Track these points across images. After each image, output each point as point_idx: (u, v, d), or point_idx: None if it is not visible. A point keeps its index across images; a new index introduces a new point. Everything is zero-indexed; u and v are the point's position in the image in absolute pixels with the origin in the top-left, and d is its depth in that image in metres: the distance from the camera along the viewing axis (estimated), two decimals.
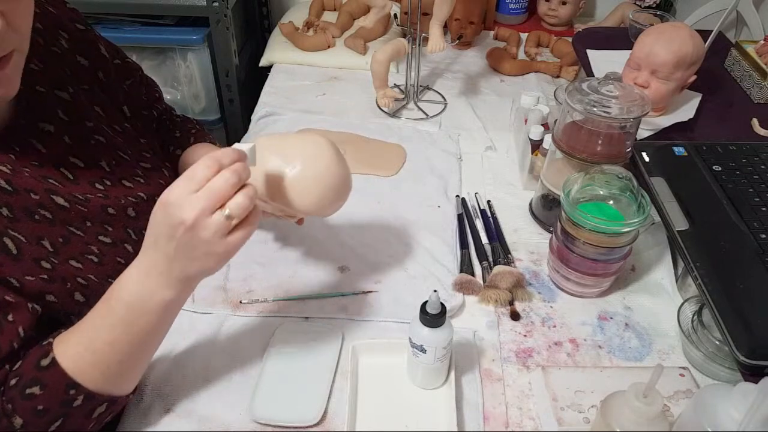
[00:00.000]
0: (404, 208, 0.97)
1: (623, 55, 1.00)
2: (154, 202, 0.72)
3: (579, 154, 0.82)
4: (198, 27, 1.41)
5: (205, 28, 1.40)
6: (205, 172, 0.52)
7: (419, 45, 1.16)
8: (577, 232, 0.76)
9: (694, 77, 0.97)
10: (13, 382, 0.55)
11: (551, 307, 0.82)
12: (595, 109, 0.77)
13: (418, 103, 1.23)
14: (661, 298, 0.83)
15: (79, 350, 0.56)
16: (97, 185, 0.69)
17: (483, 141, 1.13)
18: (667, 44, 0.92)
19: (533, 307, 0.82)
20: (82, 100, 0.72)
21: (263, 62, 1.39)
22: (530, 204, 0.98)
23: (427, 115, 1.20)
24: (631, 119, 0.79)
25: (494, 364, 0.74)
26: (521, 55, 1.42)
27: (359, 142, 1.10)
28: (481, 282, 0.84)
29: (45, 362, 0.55)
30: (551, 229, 0.87)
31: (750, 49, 1.10)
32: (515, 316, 0.80)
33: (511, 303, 0.82)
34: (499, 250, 0.88)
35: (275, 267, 0.85)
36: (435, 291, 0.63)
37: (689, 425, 0.56)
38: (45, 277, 0.60)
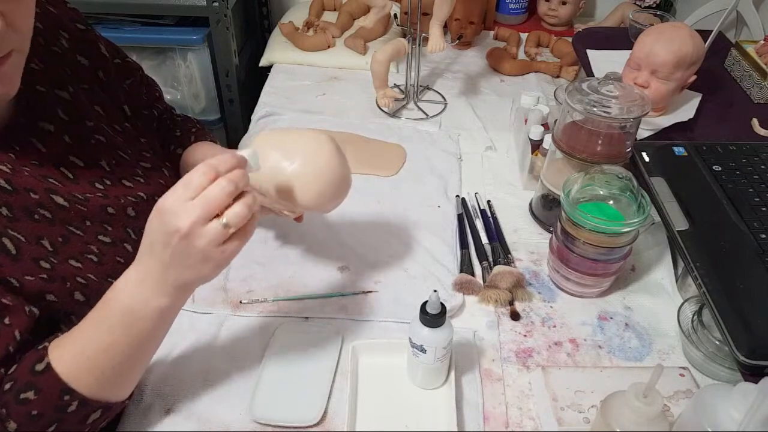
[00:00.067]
0: (404, 208, 0.97)
1: (623, 55, 1.00)
2: (154, 201, 0.72)
3: (579, 154, 0.82)
4: (198, 27, 1.41)
5: (205, 28, 1.40)
6: (201, 180, 0.52)
7: (419, 45, 1.16)
8: (577, 232, 0.76)
9: (694, 77, 0.97)
10: (7, 386, 0.55)
11: (551, 307, 0.82)
12: (595, 109, 0.77)
13: (418, 103, 1.23)
14: (661, 298, 0.83)
15: (74, 356, 0.56)
16: (96, 185, 0.69)
17: (483, 141, 1.13)
18: (667, 44, 0.92)
19: (533, 307, 0.82)
20: (82, 100, 0.72)
21: (263, 62, 1.39)
22: (530, 204, 0.98)
23: (427, 115, 1.20)
24: (631, 119, 0.79)
25: (494, 364, 0.74)
26: (521, 55, 1.42)
27: (359, 142, 1.10)
28: (481, 282, 0.84)
29: (40, 367, 0.55)
30: (551, 229, 0.87)
31: (750, 49, 1.10)
32: (515, 316, 0.80)
33: (511, 303, 0.82)
34: (499, 250, 0.88)
35: (275, 267, 0.85)
36: (435, 291, 0.63)
37: (689, 425, 0.56)
38: (44, 276, 0.60)
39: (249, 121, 1.21)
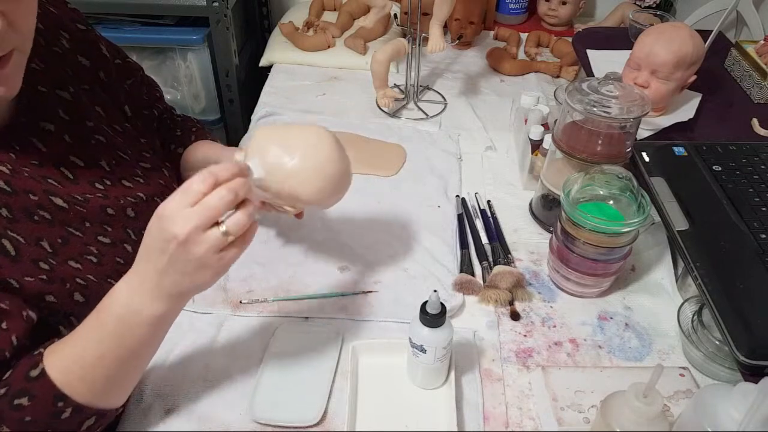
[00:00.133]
0: (404, 208, 0.97)
1: (623, 55, 1.00)
2: (154, 202, 0.72)
3: (579, 154, 0.82)
4: (198, 27, 1.41)
5: (205, 28, 1.40)
6: (201, 187, 0.52)
7: (419, 45, 1.16)
8: (577, 232, 0.76)
9: (694, 77, 0.97)
10: (1, 391, 0.55)
11: (551, 307, 0.82)
12: (595, 109, 0.77)
13: (418, 103, 1.23)
14: (661, 298, 0.83)
15: (69, 362, 0.55)
16: (96, 185, 0.69)
17: (483, 141, 1.13)
18: (667, 44, 0.92)
19: (533, 307, 0.82)
20: (82, 100, 0.72)
21: (263, 62, 1.39)
22: (530, 204, 0.98)
23: (427, 115, 1.20)
24: (631, 119, 0.79)
25: (494, 364, 0.74)
26: (521, 55, 1.42)
27: (359, 142, 1.10)
28: (481, 282, 0.84)
29: (34, 373, 0.55)
30: (551, 229, 0.87)
31: (750, 49, 1.10)
32: (515, 316, 0.80)
33: (511, 303, 0.82)
34: (499, 250, 0.88)
35: (275, 267, 0.85)
36: (435, 291, 0.63)
37: (689, 425, 0.56)
38: (44, 277, 0.60)
39: (249, 121, 1.21)
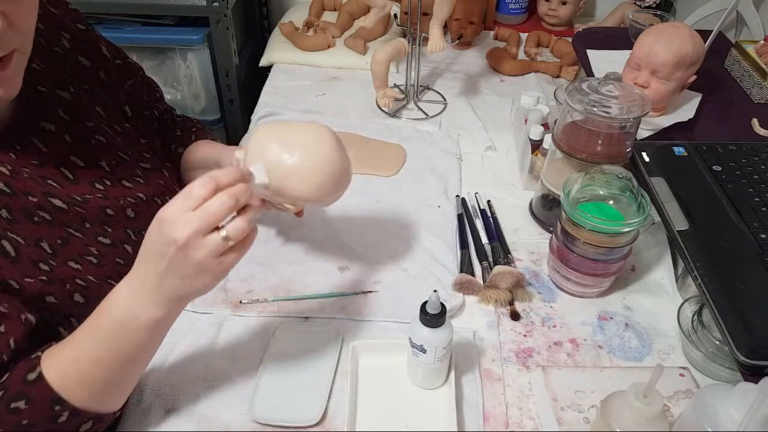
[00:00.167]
0: (404, 208, 0.97)
1: (623, 55, 1.00)
2: (154, 202, 0.72)
3: (579, 154, 0.82)
4: (198, 27, 1.41)
5: (205, 28, 1.40)
6: (202, 191, 0.52)
7: (419, 45, 1.16)
8: (577, 232, 0.76)
9: (694, 77, 0.97)
10: None
11: (551, 307, 0.82)
12: (595, 109, 0.77)
13: (418, 103, 1.23)
14: (661, 298, 0.83)
15: (66, 366, 0.55)
16: (96, 185, 0.69)
17: (483, 141, 1.13)
18: (667, 44, 0.92)
19: (533, 307, 0.82)
20: (83, 100, 0.72)
21: (263, 62, 1.39)
22: (530, 204, 0.98)
23: (427, 115, 1.20)
24: (631, 119, 0.79)
25: (494, 364, 0.74)
26: (521, 55, 1.42)
27: (359, 142, 1.10)
28: (481, 282, 0.84)
29: (32, 376, 0.54)
30: (551, 229, 0.87)
31: (750, 49, 1.10)
32: (515, 316, 0.80)
33: (511, 303, 0.82)
34: (499, 250, 0.88)
35: (275, 267, 0.85)
36: (435, 291, 0.63)
37: (689, 425, 0.56)
38: (44, 278, 0.60)
39: (249, 121, 1.21)
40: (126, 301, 0.55)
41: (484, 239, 0.91)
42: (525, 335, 0.78)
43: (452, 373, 0.70)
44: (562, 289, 0.84)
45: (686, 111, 1.01)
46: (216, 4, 1.34)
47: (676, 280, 0.84)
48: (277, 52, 1.38)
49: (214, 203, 0.52)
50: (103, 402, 0.58)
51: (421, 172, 1.05)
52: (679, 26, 0.96)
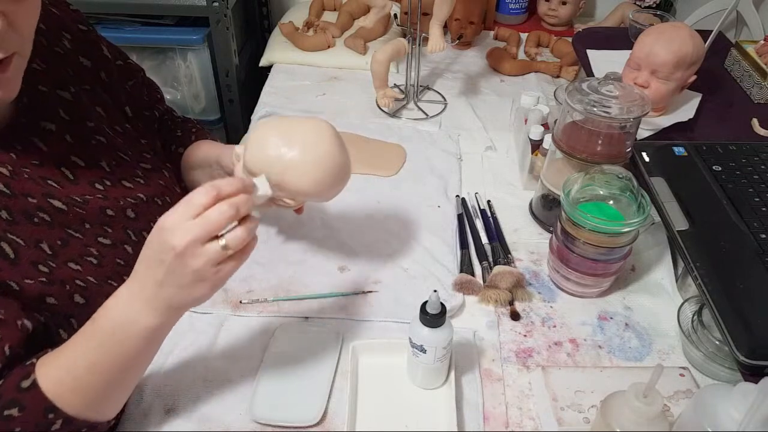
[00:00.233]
0: (404, 208, 0.97)
1: (623, 55, 1.00)
2: (154, 203, 0.72)
3: (579, 154, 0.82)
4: (198, 27, 1.41)
5: (205, 28, 1.40)
6: (203, 199, 0.52)
7: (419, 45, 1.16)
8: (577, 232, 0.76)
9: (694, 77, 0.97)
10: None
11: (551, 307, 0.82)
12: (595, 109, 0.77)
13: (418, 103, 1.23)
14: (661, 298, 0.83)
15: (61, 373, 0.55)
16: (97, 185, 0.69)
17: (483, 141, 1.13)
18: (667, 44, 0.92)
19: (533, 307, 0.82)
20: (83, 101, 0.72)
21: (263, 62, 1.39)
22: (530, 204, 0.98)
23: (427, 115, 1.20)
24: (631, 119, 0.79)
25: (494, 364, 0.74)
26: (521, 55, 1.42)
27: (359, 142, 1.10)
28: (481, 282, 0.84)
29: (26, 384, 0.54)
30: (551, 229, 0.87)
31: (750, 49, 1.10)
32: (515, 316, 0.80)
33: (511, 303, 0.82)
34: (499, 250, 0.88)
35: (275, 267, 0.85)
36: (435, 291, 0.63)
37: (689, 425, 0.56)
38: (44, 280, 0.59)
39: (249, 121, 1.21)
40: (122, 308, 0.55)
41: (484, 239, 0.91)
42: (525, 335, 0.78)
43: (452, 373, 0.70)
44: (562, 289, 0.84)
45: (686, 111, 1.01)
46: (216, 4, 1.34)
47: (676, 280, 0.84)
48: (277, 52, 1.38)
49: (214, 212, 0.52)
50: (97, 410, 0.58)
51: (421, 172, 1.05)
52: (679, 26, 0.96)
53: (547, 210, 0.93)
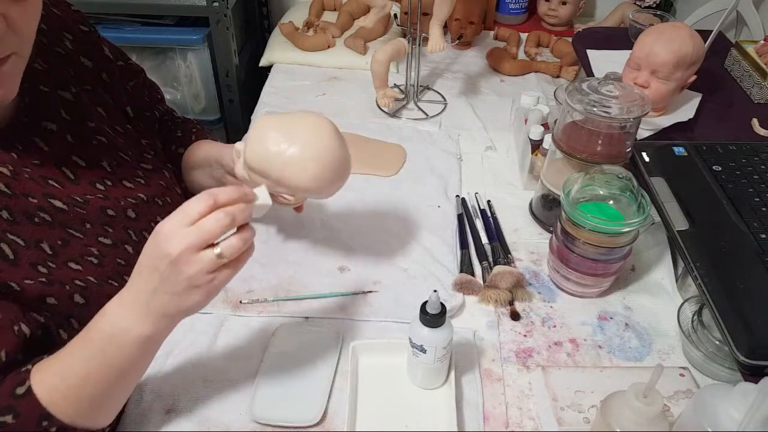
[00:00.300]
0: (404, 208, 0.97)
1: (623, 55, 1.00)
2: (154, 203, 0.72)
3: (579, 154, 0.82)
4: (198, 27, 1.41)
5: (205, 28, 1.40)
6: (199, 207, 0.52)
7: (419, 45, 1.16)
8: (577, 232, 0.76)
9: (694, 77, 0.97)
10: None
11: (551, 307, 0.82)
12: (595, 109, 0.77)
13: (418, 103, 1.23)
14: (661, 298, 0.83)
15: (55, 381, 0.55)
16: (97, 185, 0.69)
17: (483, 141, 1.13)
18: (667, 44, 0.92)
19: (533, 307, 0.82)
20: (84, 101, 0.72)
21: (263, 62, 1.39)
22: (530, 204, 0.98)
23: (427, 115, 1.20)
24: (631, 119, 0.79)
25: (494, 364, 0.74)
26: (521, 55, 1.42)
27: (359, 142, 1.10)
28: (481, 282, 0.84)
29: (20, 390, 0.54)
30: (551, 229, 0.87)
31: (750, 49, 1.10)
32: (515, 316, 0.80)
33: (511, 303, 0.82)
34: (499, 250, 0.88)
35: (275, 267, 0.85)
36: (435, 291, 0.63)
37: (689, 425, 0.56)
38: (44, 280, 0.59)
39: (249, 121, 1.21)
40: (116, 316, 0.55)
41: (484, 239, 0.91)
42: (525, 335, 0.78)
43: (452, 373, 0.70)
44: (562, 289, 0.84)
45: (686, 111, 1.01)
46: (216, 4, 1.34)
47: (676, 280, 0.84)
48: (277, 52, 1.38)
49: (209, 220, 0.52)
50: (90, 418, 0.57)
51: (421, 172, 1.05)
52: (679, 26, 0.96)
53: (547, 210, 0.93)
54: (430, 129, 1.16)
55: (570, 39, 1.35)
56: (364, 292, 0.82)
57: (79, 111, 0.70)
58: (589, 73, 1.14)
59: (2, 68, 0.54)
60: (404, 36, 1.24)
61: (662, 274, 0.86)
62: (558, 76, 1.34)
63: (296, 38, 1.38)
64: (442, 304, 0.64)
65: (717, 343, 0.71)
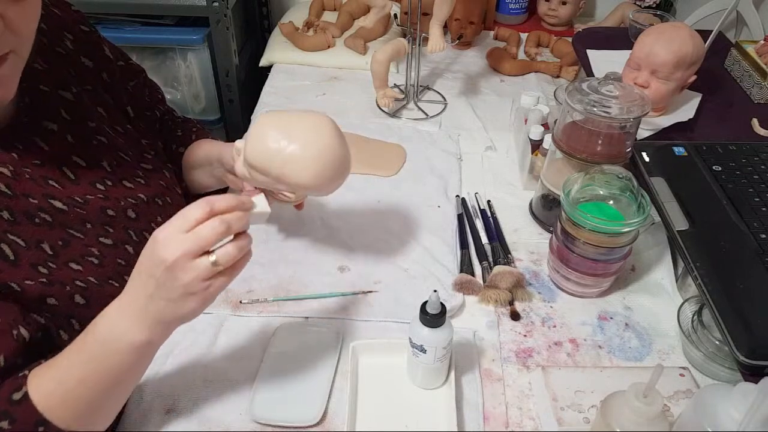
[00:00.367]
0: (404, 208, 0.97)
1: (623, 55, 1.00)
2: (155, 203, 0.72)
3: (579, 154, 0.82)
4: (198, 27, 1.41)
5: (205, 28, 1.40)
6: (197, 214, 0.52)
7: (419, 45, 1.16)
8: (577, 232, 0.76)
9: (694, 77, 0.97)
10: None
11: (551, 307, 0.82)
12: (595, 109, 0.77)
13: (418, 103, 1.23)
14: (661, 298, 0.83)
15: (51, 386, 0.55)
16: (98, 185, 0.69)
17: (483, 141, 1.13)
18: (667, 44, 0.92)
19: (533, 307, 0.82)
20: (84, 101, 0.72)
21: (263, 62, 1.39)
22: (530, 204, 0.98)
23: (427, 115, 1.20)
24: (631, 119, 0.79)
25: (494, 364, 0.74)
26: (521, 55, 1.42)
27: (359, 142, 1.10)
28: (481, 282, 0.84)
29: (17, 396, 0.54)
30: (551, 229, 0.87)
31: (750, 49, 1.10)
32: (515, 316, 0.80)
33: (511, 303, 0.82)
34: (499, 250, 0.88)
35: (275, 267, 0.85)
36: (435, 291, 0.63)
37: (689, 425, 0.56)
38: (44, 280, 0.59)
39: (249, 121, 1.21)
40: (112, 321, 0.55)
41: (484, 239, 0.91)
42: (525, 335, 0.78)
43: (452, 373, 0.70)
44: (562, 289, 0.84)
45: (686, 111, 1.01)
46: (216, 4, 1.34)
47: (676, 280, 0.84)
48: (277, 52, 1.38)
49: (205, 228, 0.52)
50: (86, 424, 0.57)
51: (421, 172, 1.05)
52: (679, 26, 0.96)
53: (547, 210, 0.93)
54: (430, 129, 1.16)
55: (570, 39, 1.34)
56: (364, 292, 0.82)
57: (80, 111, 0.70)
58: (589, 73, 1.14)
59: (1, 68, 0.54)
60: (404, 36, 1.24)
61: (662, 274, 0.86)
62: (558, 76, 1.34)
63: (296, 38, 1.37)
64: (442, 304, 0.64)
65: (717, 343, 0.71)
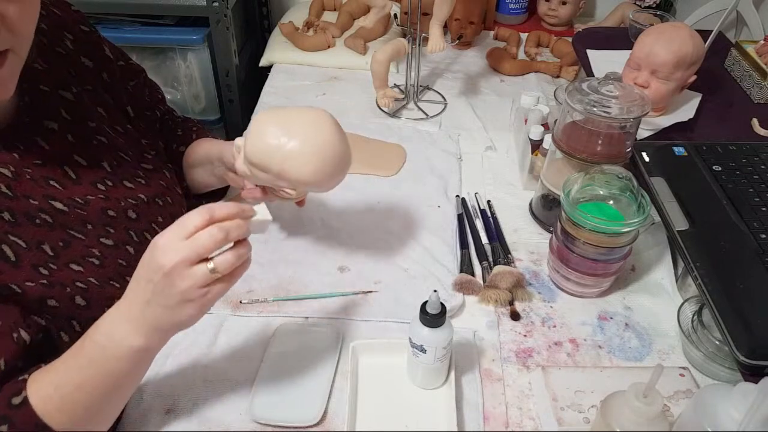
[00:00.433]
0: (404, 208, 0.97)
1: (623, 55, 1.00)
2: (155, 203, 0.72)
3: (579, 154, 0.82)
4: (198, 27, 1.41)
5: (205, 28, 1.40)
6: (196, 221, 0.52)
7: (419, 45, 1.16)
8: (577, 232, 0.76)
9: (694, 77, 0.97)
10: None
11: (551, 307, 0.82)
12: (595, 109, 0.77)
13: (418, 103, 1.23)
14: (661, 298, 0.83)
15: (50, 391, 0.54)
16: (98, 185, 0.69)
17: (483, 141, 1.13)
18: (667, 44, 0.92)
19: (533, 307, 0.82)
20: (84, 101, 0.72)
21: (263, 62, 1.39)
22: (530, 204, 0.98)
23: (427, 115, 1.20)
24: (631, 119, 0.79)
25: (494, 364, 0.74)
26: (521, 55, 1.42)
27: (359, 142, 1.10)
28: (481, 282, 0.84)
29: (16, 400, 0.54)
30: (551, 229, 0.87)
31: (750, 49, 1.10)
32: (515, 316, 0.80)
33: (511, 303, 0.82)
34: (499, 250, 0.88)
35: (275, 267, 0.85)
36: (435, 291, 0.63)
37: (689, 425, 0.56)
38: (45, 282, 0.59)
39: (249, 121, 1.21)
40: (110, 326, 0.55)
41: (484, 239, 0.91)
42: (525, 335, 0.78)
43: (452, 373, 0.70)
44: (562, 289, 0.84)
45: (686, 111, 1.01)
46: (216, 4, 1.34)
47: (676, 280, 0.84)
48: (277, 52, 1.38)
49: (204, 235, 0.52)
50: (85, 428, 0.57)
51: (421, 172, 1.05)
52: (679, 26, 0.96)
53: (547, 210, 0.93)
54: (430, 129, 1.16)
55: (570, 39, 1.35)
56: (364, 292, 0.82)
57: (80, 111, 0.70)
58: (589, 73, 1.14)
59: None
60: (404, 36, 1.24)
61: (662, 274, 0.86)
62: (558, 76, 1.34)
63: (296, 38, 1.38)
64: (442, 304, 0.64)
65: (717, 343, 0.71)
